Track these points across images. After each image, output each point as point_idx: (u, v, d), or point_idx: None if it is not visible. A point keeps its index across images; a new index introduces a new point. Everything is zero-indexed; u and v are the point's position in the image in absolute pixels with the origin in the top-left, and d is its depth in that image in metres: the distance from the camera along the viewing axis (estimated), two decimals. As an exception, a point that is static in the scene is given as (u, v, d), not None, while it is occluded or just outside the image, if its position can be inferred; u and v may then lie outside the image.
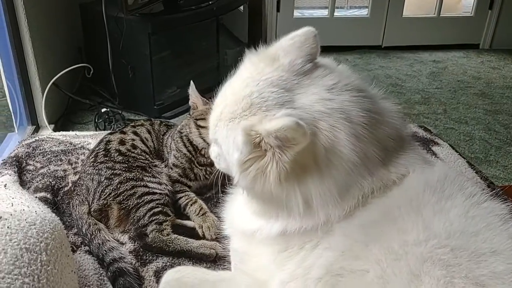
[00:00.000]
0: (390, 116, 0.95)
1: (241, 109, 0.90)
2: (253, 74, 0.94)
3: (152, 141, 1.50)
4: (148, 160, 1.41)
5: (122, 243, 1.23)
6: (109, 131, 1.59)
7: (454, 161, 1.46)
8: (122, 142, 1.43)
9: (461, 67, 3.87)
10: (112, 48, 2.67)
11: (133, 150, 1.41)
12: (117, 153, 1.38)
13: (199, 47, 3.02)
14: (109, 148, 1.40)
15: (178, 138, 1.47)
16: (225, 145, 0.94)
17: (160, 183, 1.36)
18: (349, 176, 0.87)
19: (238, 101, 0.91)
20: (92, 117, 2.72)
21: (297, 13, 4.19)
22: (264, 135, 0.82)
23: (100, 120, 2.58)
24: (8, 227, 0.78)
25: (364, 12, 4.28)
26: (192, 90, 1.48)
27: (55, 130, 2.46)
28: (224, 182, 1.08)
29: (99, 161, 1.36)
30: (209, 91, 3.04)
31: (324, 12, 4.21)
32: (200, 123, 1.43)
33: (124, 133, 1.47)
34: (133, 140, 1.45)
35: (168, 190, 1.36)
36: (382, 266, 0.82)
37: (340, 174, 0.87)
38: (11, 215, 0.82)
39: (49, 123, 2.47)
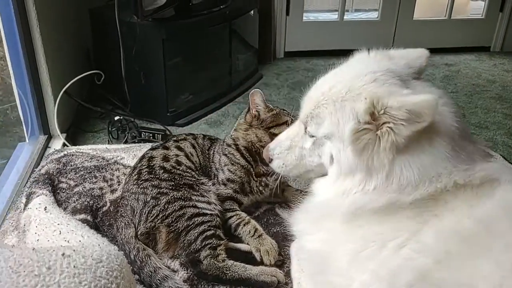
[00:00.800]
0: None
1: (363, 81, 0.96)
2: (369, 62, 1.03)
3: (198, 156, 1.41)
4: (195, 178, 1.32)
5: (174, 271, 1.14)
6: (151, 147, 1.49)
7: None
8: (166, 159, 1.34)
9: (474, 70, 3.81)
10: (124, 54, 2.59)
11: (178, 167, 1.32)
12: (162, 170, 1.29)
13: (212, 52, 2.94)
14: (153, 165, 1.31)
15: (233, 151, 1.38)
16: (332, 119, 0.97)
17: (209, 203, 1.27)
18: (441, 162, 0.93)
19: (359, 76, 0.97)
20: (103, 125, 2.64)
21: (306, 17, 4.12)
22: (395, 107, 0.88)
23: (114, 129, 2.49)
24: (74, 267, 0.69)
25: (374, 15, 4.22)
26: (258, 97, 1.40)
27: (67, 139, 2.37)
28: (277, 195, 1.05)
29: (143, 178, 1.27)
30: (222, 97, 2.98)
31: (334, 16, 4.14)
32: (274, 130, 1.35)
33: (167, 148, 1.39)
34: (177, 156, 1.36)
35: (218, 210, 1.27)
36: (494, 283, 0.78)
37: (435, 159, 0.93)
38: (74, 251, 0.72)
39: (61, 132, 2.38)
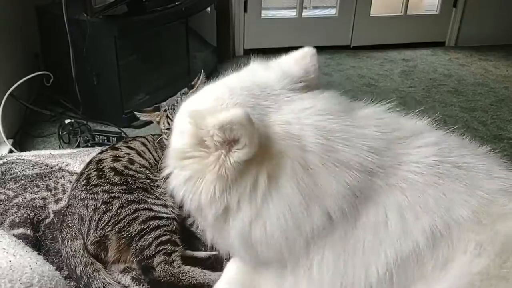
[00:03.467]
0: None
1: (205, 99, 0.85)
2: (238, 77, 0.91)
3: (151, 153, 1.32)
4: (150, 179, 1.23)
5: (125, 286, 1.05)
6: (99, 150, 1.38)
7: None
8: (116, 159, 1.24)
9: (430, 65, 3.87)
10: (75, 53, 2.45)
11: (131, 166, 1.23)
12: (113, 172, 1.19)
13: (168, 50, 2.84)
14: (102, 168, 1.21)
15: None
16: (172, 140, 0.87)
17: (166, 206, 1.18)
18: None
19: (210, 93, 0.87)
20: (54, 129, 2.49)
21: (264, 14, 4.07)
22: (210, 127, 0.74)
23: (64, 132, 2.36)
24: None
25: (332, 12, 4.22)
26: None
27: (14, 145, 2.22)
28: None
29: (92, 184, 1.16)
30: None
31: (292, 13, 4.12)
32: None
33: (117, 149, 1.29)
34: (129, 154, 1.27)
35: (175, 213, 1.19)
36: None
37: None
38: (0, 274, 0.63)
39: (7, 137, 2.23)
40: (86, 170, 1.23)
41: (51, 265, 0.83)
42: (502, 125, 2.82)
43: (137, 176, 1.22)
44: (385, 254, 0.79)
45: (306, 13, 4.18)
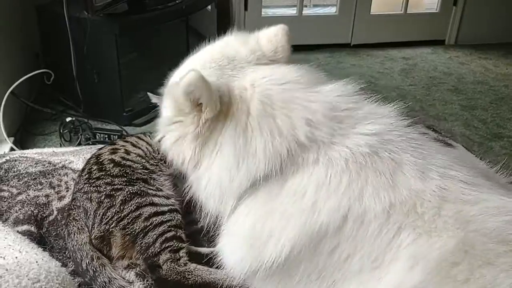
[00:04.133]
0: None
1: (182, 72, 0.93)
2: (211, 49, 1.00)
3: (147, 144, 1.33)
4: (147, 169, 1.24)
5: (129, 282, 1.05)
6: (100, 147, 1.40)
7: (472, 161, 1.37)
8: (114, 151, 1.26)
9: (431, 64, 3.87)
10: (75, 52, 2.45)
11: (127, 157, 1.24)
12: (112, 164, 1.20)
13: (168, 48, 2.84)
14: (102, 161, 1.22)
15: None
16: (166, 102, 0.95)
17: (167, 197, 1.18)
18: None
19: (185, 66, 0.97)
20: (55, 127, 2.49)
21: (265, 12, 4.07)
22: (179, 94, 0.85)
23: (66, 131, 2.36)
24: None
25: (332, 10, 4.22)
26: None
27: (15, 143, 2.23)
28: None
29: (94, 177, 1.17)
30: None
31: (293, 11, 4.12)
32: None
33: (114, 143, 1.32)
34: (124, 146, 1.28)
35: (177, 204, 1.18)
36: None
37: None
38: (7, 270, 0.63)
39: (8, 136, 2.23)
40: (87, 165, 1.24)
41: (57, 261, 0.83)
42: (502, 123, 2.83)
43: (134, 166, 1.23)
44: (292, 227, 0.83)
45: (306, 11, 4.18)
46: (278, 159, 0.84)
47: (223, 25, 3.59)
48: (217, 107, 0.85)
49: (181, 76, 0.86)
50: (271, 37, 0.99)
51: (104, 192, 1.13)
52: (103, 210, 1.12)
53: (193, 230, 1.25)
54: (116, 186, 1.15)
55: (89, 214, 1.13)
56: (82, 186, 1.18)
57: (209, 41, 1.06)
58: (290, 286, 0.87)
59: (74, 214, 1.15)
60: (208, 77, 0.86)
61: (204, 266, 1.08)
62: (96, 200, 1.13)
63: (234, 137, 0.86)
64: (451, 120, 2.86)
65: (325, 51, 4.00)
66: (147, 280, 1.06)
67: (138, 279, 1.06)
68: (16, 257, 0.76)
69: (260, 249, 0.85)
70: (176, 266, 1.06)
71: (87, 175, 1.20)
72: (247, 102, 0.88)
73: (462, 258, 0.73)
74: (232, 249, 0.93)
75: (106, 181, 1.16)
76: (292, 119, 0.86)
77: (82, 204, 1.14)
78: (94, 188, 1.15)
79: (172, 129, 0.91)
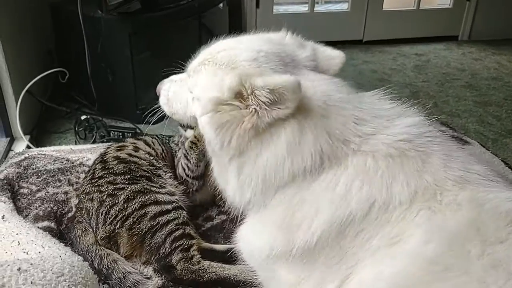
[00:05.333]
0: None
1: (243, 57, 0.92)
2: (271, 42, 1.00)
3: (160, 146, 1.33)
4: (153, 166, 1.24)
5: (147, 277, 1.06)
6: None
7: (488, 160, 1.36)
8: (120, 149, 1.25)
9: (444, 60, 3.84)
10: (89, 50, 2.48)
11: (135, 153, 1.24)
12: (116, 161, 1.20)
13: (182, 46, 2.85)
14: (106, 159, 1.22)
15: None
16: (204, 80, 0.95)
17: (171, 194, 1.18)
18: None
19: (243, 50, 0.94)
20: (69, 125, 2.52)
21: (276, 9, 4.07)
22: (258, 87, 0.84)
23: (81, 128, 2.38)
24: (32, 283, 0.61)
25: (344, 6, 4.20)
26: None
27: (31, 141, 2.25)
28: None
29: (97, 176, 1.18)
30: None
31: (304, 8, 4.11)
32: None
33: (124, 141, 1.32)
34: (134, 143, 1.28)
35: (182, 201, 1.19)
36: None
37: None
38: (32, 264, 0.64)
39: (24, 133, 2.26)
40: (93, 165, 1.25)
41: (79, 256, 0.84)
42: (517, 120, 2.80)
43: (140, 162, 1.23)
44: (324, 214, 0.87)
45: (318, 8, 4.17)
46: (323, 157, 0.88)
47: (235, 23, 3.60)
48: (294, 110, 0.86)
49: (248, 68, 0.89)
50: (330, 57, 1.06)
51: (106, 192, 1.14)
52: (105, 208, 1.12)
53: (209, 226, 1.26)
54: (119, 185, 1.15)
55: (91, 215, 1.13)
56: (85, 187, 1.18)
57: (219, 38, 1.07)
58: (312, 268, 0.91)
59: (78, 216, 1.15)
60: (274, 72, 0.90)
61: (218, 263, 1.09)
62: (98, 199, 1.13)
63: (289, 134, 0.88)
64: (464, 117, 2.83)
65: (337, 48, 3.96)
66: (164, 276, 1.07)
67: (156, 274, 1.07)
68: (40, 252, 0.77)
69: (292, 232, 0.89)
70: (190, 266, 1.07)
71: (90, 176, 1.21)
72: (308, 101, 0.90)
73: (474, 234, 0.78)
74: (262, 231, 0.95)
75: (108, 180, 1.16)
76: (344, 118, 0.90)
77: (84, 205, 1.15)
78: (96, 188, 1.15)
79: (222, 110, 0.89)
